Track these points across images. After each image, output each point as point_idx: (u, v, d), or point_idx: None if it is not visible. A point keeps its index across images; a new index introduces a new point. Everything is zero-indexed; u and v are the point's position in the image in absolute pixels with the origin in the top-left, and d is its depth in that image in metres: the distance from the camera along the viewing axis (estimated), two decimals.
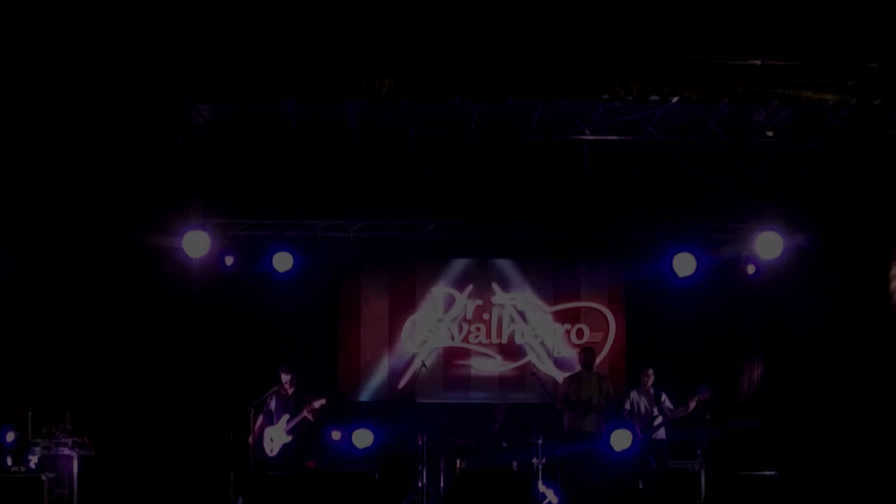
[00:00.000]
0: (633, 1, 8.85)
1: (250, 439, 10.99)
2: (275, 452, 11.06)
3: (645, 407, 11.63)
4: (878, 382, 11.73)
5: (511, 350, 13.54)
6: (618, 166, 11.80)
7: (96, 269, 12.21)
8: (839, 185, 11.77)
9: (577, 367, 11.86)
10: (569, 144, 11.37)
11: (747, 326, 13.40)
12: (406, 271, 13.63)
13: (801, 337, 12.79)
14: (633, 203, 12.48)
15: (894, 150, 10.84)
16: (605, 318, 13.55)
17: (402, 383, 13.37)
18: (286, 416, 11.07)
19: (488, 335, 13.54)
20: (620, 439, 11.17)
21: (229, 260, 12.70)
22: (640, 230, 13.03)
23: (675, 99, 9.34)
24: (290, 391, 11.21)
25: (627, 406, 11.68)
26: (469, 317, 13.55)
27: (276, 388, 11.16)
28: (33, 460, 10.49)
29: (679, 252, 12.30)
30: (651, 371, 11.73)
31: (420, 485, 11.44)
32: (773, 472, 11.35)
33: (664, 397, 11.63)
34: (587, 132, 11.02)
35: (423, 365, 12.86)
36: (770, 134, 11.24)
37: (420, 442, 11.44)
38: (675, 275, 12.35)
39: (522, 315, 13.55)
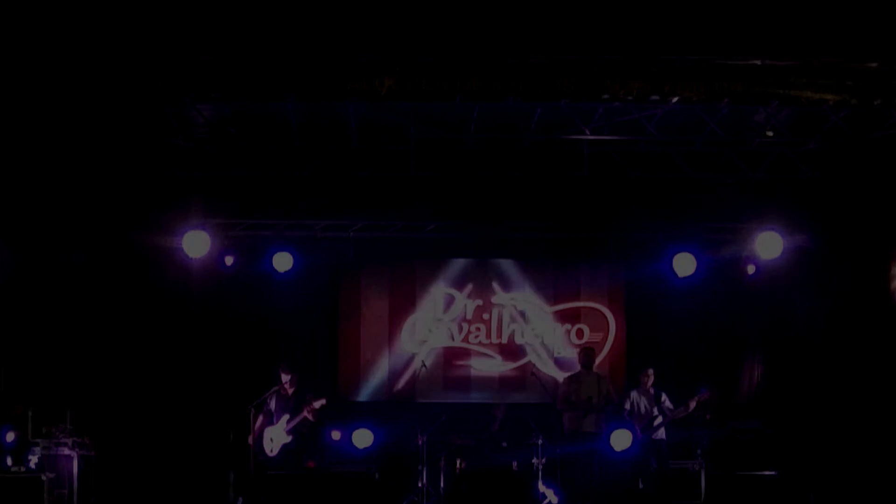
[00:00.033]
0: (633, 1, 8.85)
1: (250, 439, 10.99)
2: (275, 452, 11.06)
3: (645, 407, 11.64)
4: (878, 382, 11.73)
5: (511, 350, 13.54)
6: (618, 166, 11.79)
7: (96, 269, 12.21)
8: (839, 185, 11.77)
9: (578, 367, 11.86)
10: (569, 144, 11.36)
11: (747, 326, 13.40)
12: (406, 271, 13.63)
13: (801, 337, 12.79)
14: (633, 203, 12.48)
15: (894, 150, 10.83)
16: (605, 318, 13.55)
17: (402, 383, 13.37)
18: (286, 416, 11.07)
19: (488, 335, 13.54)
20: (620, 439, 11.17)
21: (229, 260, 12.70)
22: (640, 230, 13.03)
23: (675, 99, 9.34)
24: (290, 391, 11.21)
25: (627, 406, 11.69)
26: (469, 317, 13.55)
27: (276, 388, 11.17)
28: (33, 460, 10.49)
29: (679, 252, 12.30)
30: (651, 371, 11.73)
31: (420, 485, 11.44)
32: (773, 472, 11.35)
33: (664, 397, 11.63)
34: (587, 132, 11.02)
35: (423, 365, 12.86)
36: (770, 134, 11.24)
37: (420, 442, 11.44)
38: (675, 275, 12.35)
39: (523, 315, 13.56)
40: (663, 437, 11.60)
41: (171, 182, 11.80)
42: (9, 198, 10.85)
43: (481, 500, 8.55)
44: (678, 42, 8.97)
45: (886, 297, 11.75)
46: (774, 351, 13.14)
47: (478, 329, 13.55)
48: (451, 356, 13.51)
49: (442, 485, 11.51)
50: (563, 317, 13.58)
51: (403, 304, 13.55)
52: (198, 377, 12.59)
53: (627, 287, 13.53)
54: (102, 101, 9.41)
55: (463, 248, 13.53)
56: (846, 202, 11.87)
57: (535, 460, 11.26)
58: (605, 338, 13.47)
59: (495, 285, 13.57)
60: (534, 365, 13.22)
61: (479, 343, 13.53)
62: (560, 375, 12.72)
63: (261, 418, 11.14)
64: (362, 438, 12.10)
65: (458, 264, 13.60)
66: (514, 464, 11.35)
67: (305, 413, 11.00)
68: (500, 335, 13.54)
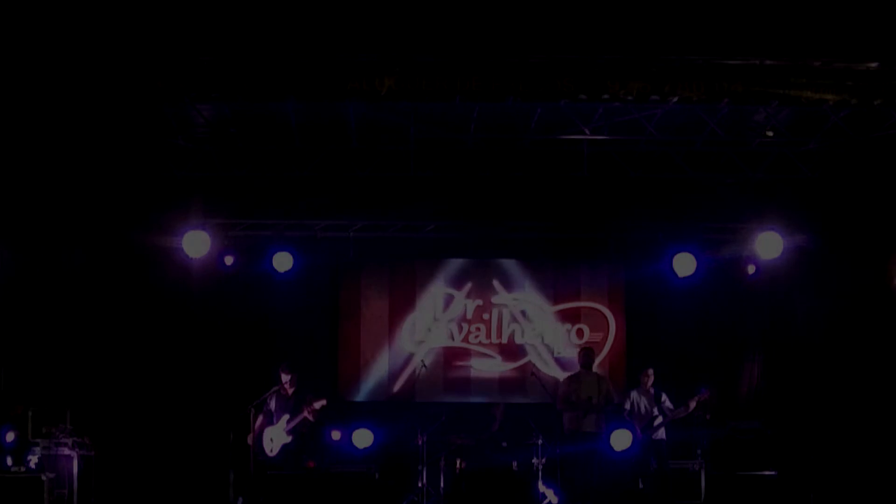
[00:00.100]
0: (633, 1, 8.85)
1: (250, 439, 10.99)
2: (275, 452, 11.06)
3: (645, 407, 11.64)
4: (878, 382, 11.74)
5: (511, 350, 13.53)
6: (618, 166, 11.79)
7: (96, 269, 12.21)
8: (839, 185, 11.76)
9: (578, 367, 11.87)
10: (569, 144, 11.36)
11: (747, 326, 13.40)
12: (406, 271, 13.63)
13: (801, 337, 12.80)
14: (633, 203, 12.48)
15: (894, 150, 10.83)
16: (605, 318, 13.55)
17: (401, 383, 13.37)
18: (286, 417, 11.07)
19: (488, 335, 13.54)
20: (620, 439, 11.17)
21: (229, 260, 12.70)
22: (640, 230, 13.03)
23: (675, 99, 9.34)
24: (290, 391, 11.21)
25: (627, 406, 11.69)
26: (469, 317, 13.55)
27: (276, 388, 11.16)
28: (33, 460, 10.49)
29: (679, 252, 12.30)
30: (651, 371, 11.73)
31: (420, 485, 11.44)
32: (773, 472, 11.34)
33: (664, 397, 11.63)
34: (587, 132, 11.02)
35: (423, 365, 12.86)
36: (770, 134, 11.24)
37: (420, 442, 11.44)
38: (675, 275, 12.35)
39: (524, 314, 13.55)
40: (663, 437, 11.60)
41: (171, 182, 11.80)
42: (9, 198, 10.85)
43: (481, 500, 8.55)
44: (678, 42, 8.96)
45: (887, 296, 11.74)
46: (774, 351, 13.14)
47: (478, 329, 13.54)
48: (452, 356, 13.50)
49: (442, 485, 11.51)
50: (564, 317, 13.58)
51: (403, 304, 13.55)
52: (198, 377, 12.59)
53: (627, 287, 13.53)
54: (103, 101, 9.41)
55: (463, 247, 13.52)
56: (846, 202, 11.87)
57: (535, 460, 11.26)
58: (605, 338, 13.47)
59: (496, 284, 13.57)
60: (534, 365, 13.22)
61: (479, 343, 13.53)
62: (561, 375, 12.71)
63: (261, 418, 11.13)
64: (362, 438, 12.10)
65: (457, 264, 13.60)
66: (514, 464, 11.35)
67: (305, 413, 11.00)
68: (500, 335, 13.54)
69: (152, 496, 11.81)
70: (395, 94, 9.13)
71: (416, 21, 8.75)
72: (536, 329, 13.55)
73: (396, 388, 13.38)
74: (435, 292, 13.55)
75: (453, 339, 13.53)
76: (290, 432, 11.06)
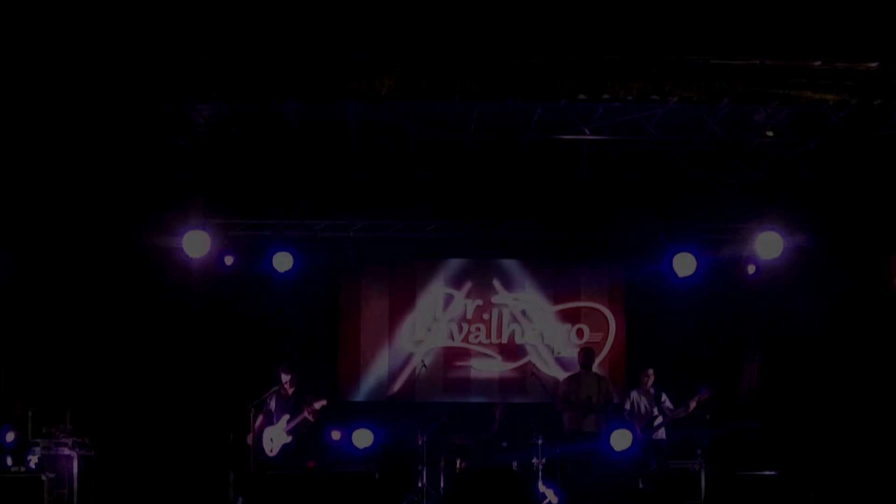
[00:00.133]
0: (633, 1, 8.85)
1: (250, 439, 10.99)
2: (275, 452, 11.06)
3: (645, 407, 11.64)
4: (878, 382, 11.73)
5: (511, 350, 13.54)
6: (618, 166, 11.79)
7: (96, 269, 12.21)
8: (839, 185, 11.76)
9: (578, 367, 11.87)
10: (569, 144, 11.36)
11: (747, 326, 13.40)
12: (406, 271, 13.63)
13: (800, 337, 12.80)
14: (633, 203, 12.48)
15: (894, 150, 10.83)
16: (605, 318, 13.55)
17: (401, 383, 13.37)
18: (286, 417, 11.07)
19: (488, 335, 13.54)
20: (620, 439, 11.17)
21: (229, 260, 12.71)
22: (640, 230, 13.03)
23: (674, 99, 9.34)
24: (290, 391, 11.21)
25: (627, 406, 11.69)
26: (469, 317, 13.55)
27: (276, 388, 11.16)
28: (33, 460, 10.49)
29: (679, 252, 12.29)
30: (651, 371, 11.73)
31: (420, 485, 11.44)
32: (773, 472, 11.34)
33: (664, 397, 11.63)
34: (587, 132, 11.02)
35: (423, 364, 12.86)
36: (770, 134, 11.24)
37: (420, 442, 11.44)
38: (675, 275, 12.35)
39: (524, 314, 13.55)
40: (663, 437, 11.60)
41: (171, 182, 11.79)
42: (9, 198, 10.85)
43: (481, 500, 8.54)
44: (678, 42, 8.96)
45: (887, 296, 11.74)
46: (774, 351, 13.14)
47: (478, 329, 13.55)
48: (451, 356, 13.51)
49: (442, 485, 11.51)
50: (564, 317, 13.59)
51: (403, 304, 13.56)
52: (198, 377, 12.59)
53: (627, 287, 13.54)
54: (103, 101, 9.41)
55: (463, 247, 13.53)
56: (846, 202, 11.87)
57: (535, 460, 11.26)
58: (605, 338, 13.48)
59: (497, 284, 13.57)
60: (534, 365, 13.22)
61: (479, 343, 13.53)
62: (561, 375, 12.71)
63: (261, 418, 11.13)
64: (362, 438, 12.10)
65: (457, 264, 13.61)
66: (514, 464, 11.35)
67: (305, 413, 11.00)
68: (500, 335, 13.54)
69: (152, 496, 11.81)
70: (395, 94, 9.14)
71: (416, 21, 8.75)
72: (536, 329, 13.56)
73: (396, 388, 13.38)
74: (435, 292, 13.56)
75: (453, 339, 13.53)
76: (290, 432, 11.06)
